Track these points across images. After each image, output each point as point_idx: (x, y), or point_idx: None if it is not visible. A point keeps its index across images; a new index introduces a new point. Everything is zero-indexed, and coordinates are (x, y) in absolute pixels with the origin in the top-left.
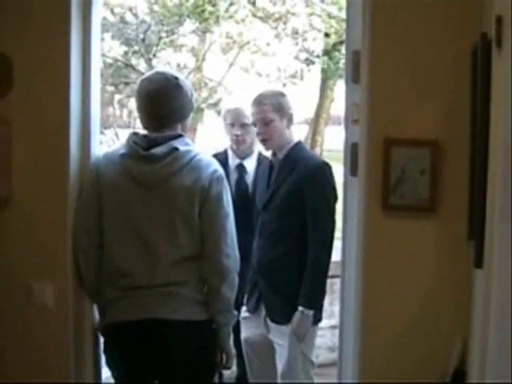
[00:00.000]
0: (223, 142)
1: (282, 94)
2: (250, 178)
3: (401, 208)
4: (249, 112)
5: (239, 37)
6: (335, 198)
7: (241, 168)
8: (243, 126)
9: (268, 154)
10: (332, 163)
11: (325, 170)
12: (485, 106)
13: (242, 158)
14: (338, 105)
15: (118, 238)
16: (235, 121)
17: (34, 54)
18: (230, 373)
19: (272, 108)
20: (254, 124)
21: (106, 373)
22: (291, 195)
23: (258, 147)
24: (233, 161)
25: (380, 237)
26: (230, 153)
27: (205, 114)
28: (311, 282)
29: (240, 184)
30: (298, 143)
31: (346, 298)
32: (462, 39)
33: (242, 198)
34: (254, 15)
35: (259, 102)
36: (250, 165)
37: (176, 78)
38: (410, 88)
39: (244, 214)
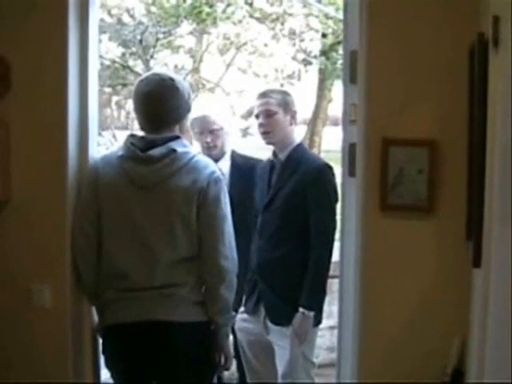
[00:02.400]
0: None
1: (287, 93)
2: (226, 178)
3: (399, 208)
4: (216, 118)
5: (236, 38)
6: (336, 199)
7: None
8: (212, 132)
9: (242, 151)
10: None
11: (327, 171)
12: (482, 105)
13: (216, 160)
14: (335, 105)
15: (117, 239)
16: (203, 129)
17: (32, 55)
18: (230, 374)
19: (276, 102)
20: (257, 116)
21: (105, 374)
22: (293, 196)
23: (230, 147)
24: None
25: (378, 237)
26: None
27: None
28: (312, 283)
29: None
30: (300, 144)
31: (345, 298)
32: (459, 39)
33: None
34: (252, 16)
35: (265, 94)
36: (225, 165)
37: (172, 79)
38: (407, 88)
39: None
